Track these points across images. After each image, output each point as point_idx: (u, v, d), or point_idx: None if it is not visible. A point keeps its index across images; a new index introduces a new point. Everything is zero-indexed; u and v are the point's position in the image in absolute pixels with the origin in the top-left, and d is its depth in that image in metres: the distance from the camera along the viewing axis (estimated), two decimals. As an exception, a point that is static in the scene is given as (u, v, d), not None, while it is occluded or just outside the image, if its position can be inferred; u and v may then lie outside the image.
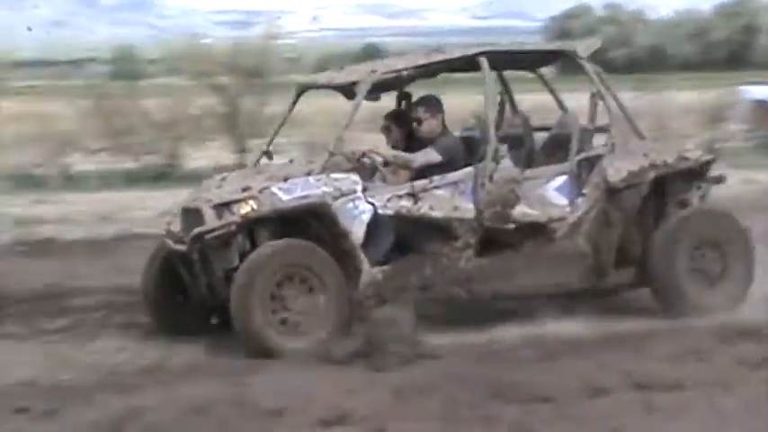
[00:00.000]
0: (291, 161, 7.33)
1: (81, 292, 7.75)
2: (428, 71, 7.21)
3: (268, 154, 6.97)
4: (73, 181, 14.18)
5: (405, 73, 6.90)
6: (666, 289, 6.73)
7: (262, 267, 5.97)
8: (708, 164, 7.20)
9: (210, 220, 6.07)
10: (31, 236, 10.16)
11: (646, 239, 6.80)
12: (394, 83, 7.10)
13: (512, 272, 6.67)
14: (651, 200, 6.99)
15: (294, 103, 7.09)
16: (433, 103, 6.93)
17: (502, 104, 7.40)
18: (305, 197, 6.18)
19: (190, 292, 6.42)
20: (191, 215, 6.27)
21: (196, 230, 6.08)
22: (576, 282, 6.78)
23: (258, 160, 7.04)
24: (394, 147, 7.04)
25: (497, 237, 6.62)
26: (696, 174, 7.14)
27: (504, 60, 7.67)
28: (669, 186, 7.07)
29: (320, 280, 6.07)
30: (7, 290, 7.71)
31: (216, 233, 6.01)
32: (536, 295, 6.78)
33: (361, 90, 6.47)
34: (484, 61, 6.75)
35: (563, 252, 6.73)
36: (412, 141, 6.93)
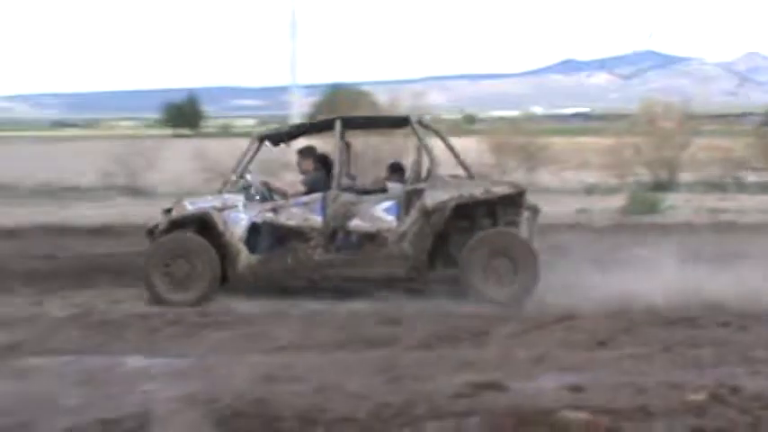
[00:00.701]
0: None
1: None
2: (303, 130, 10.91)
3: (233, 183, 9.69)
4: (744, 187, 21.06)
5: (285, 131, 10.70)
6: (465, 284, 8.99)
7: (157, 249, 9.29)
8: (509, 197, 9.25)
9: (161, 220, 9.47)
10: (718, 219, 15.60)
11: None
12: (281, 138, 10.50)
13: (354, 264, 9.26)
14: (484, 219, 9.29)
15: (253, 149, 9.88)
16: (305, 151, 10.08)
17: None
18: (198, 209, 9.38)
19: None
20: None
21: (147, 227, 9.73)
22: (403, 273, 9.25)
23: (222, 190, 9.72)
24: (303, 173, 9.91)
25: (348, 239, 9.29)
26: (511, 203, 9.28)
27: (359, 124, 11.44)
28: (498, 211, 9.26)
29: (198, 258, 9.10)
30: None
31: (159, 229, 9.41)
32: (373, 281, 9.27)
33: (253, 142, 9.81)
34: (338, 124, 9.55)
35: (393, 252, 9.10)
36: (318, 169, 9.81)
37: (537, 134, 24.86)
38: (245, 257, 9.23)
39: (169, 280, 9.14)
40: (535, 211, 9.57)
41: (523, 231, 9.47)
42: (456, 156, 9.79)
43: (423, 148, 9.60)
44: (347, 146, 10.20)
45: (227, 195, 9.53)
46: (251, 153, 9.74)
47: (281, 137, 10.54)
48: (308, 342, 7.17)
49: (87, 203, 19.04)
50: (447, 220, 9.11)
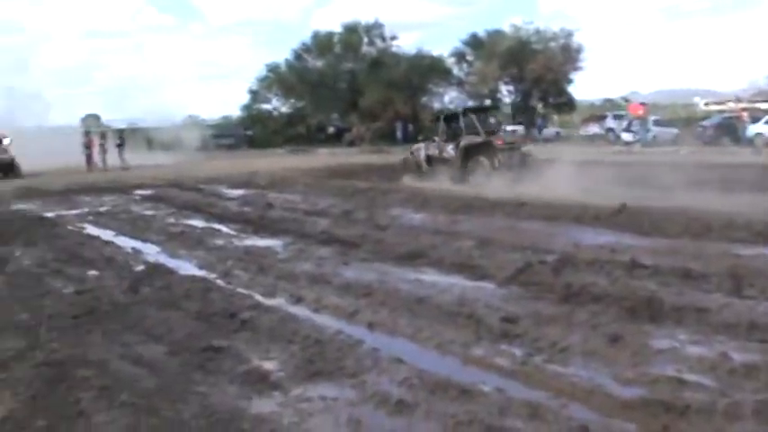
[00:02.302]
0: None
1: None
2: (455, 115, 25.69)
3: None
4: None
5: (448, 114, 26.79)
6: (467, 178, 23.00)
7: (403, 161, 26.82)
8: (483, 143, 22.96)
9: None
10: None
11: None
12: (446, 118, 25.94)
13: (444, 169, 23.77)
14: (483, 152, 23.03)
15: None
16: (436, 120, 27.29)
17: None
18: (412, 148, 26.86)
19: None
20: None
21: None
22: (456, 173, 23.18)
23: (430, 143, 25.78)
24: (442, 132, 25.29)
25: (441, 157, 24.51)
26: (488, 146, 23.03)
27: (478, 110, 27.09)
28: (490, 149, 22.87)
29: (411, 166, 25.42)
30: None
31: (407, 157, 26.67)
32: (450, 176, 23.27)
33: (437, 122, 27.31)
34: (467, 114, 24.88)
35: (452, 164, 23.64)
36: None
37: None
38: (424, 166, 24.54)
39: (401, 172, 25.33)
40: (518, 148, 23.28)
41: (497, 160, 22.17)
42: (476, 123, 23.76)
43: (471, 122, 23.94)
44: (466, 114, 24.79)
45: (422, 143, 25.95)
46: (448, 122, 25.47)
47: (445, 118, 25.67)
48: None
49: None
50: (465, 151, 22.90)
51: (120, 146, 41.43)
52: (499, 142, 23.03)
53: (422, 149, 25.30)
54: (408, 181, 24.18)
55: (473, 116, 24.31)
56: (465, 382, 5.79)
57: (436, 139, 25.02)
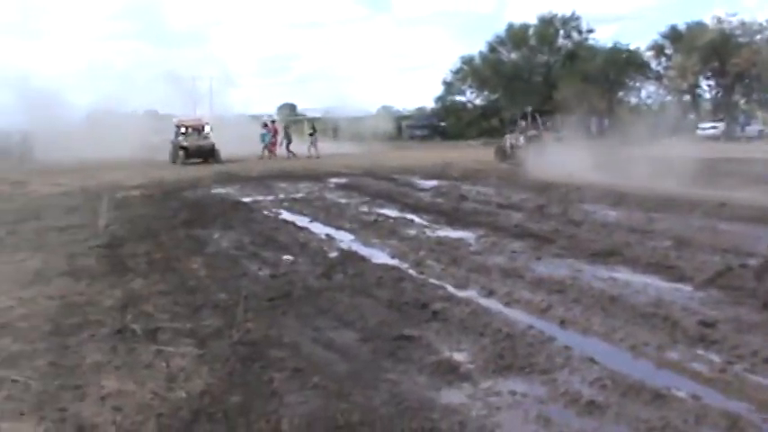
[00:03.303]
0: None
1: None
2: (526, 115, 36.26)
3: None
4: None
5: (526, 113, 36.34)
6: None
7: (496, 146, 37.66)
8: (534, 134, 33.38)
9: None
10: None
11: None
12: (524, 116, 36.31)
13: (519, 151, 32.99)
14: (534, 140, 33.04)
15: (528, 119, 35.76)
16: (520, 117, 37.16)
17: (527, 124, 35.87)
18: (504, 138, 37.35)
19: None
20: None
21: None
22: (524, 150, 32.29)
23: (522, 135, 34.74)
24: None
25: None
26: (538, 136, 33.21)
27: (542, 112, 37.14)
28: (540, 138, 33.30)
29: (501, 151, 35.32)
30: None
31: (499, 145, 37.31)
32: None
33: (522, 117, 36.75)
34: (534, 114, 35.31)
35: (520, 149, 32.89)
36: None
37: None
38: (509, 152, 33.72)
39: (495, 157, 35.14)
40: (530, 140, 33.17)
41: (538, 146, 31.07)
42: (539, 122, 34.57)
43: (530, 122, 34.81)
44: (534, 118, 34.87)
45: (513, 134, 35.45)
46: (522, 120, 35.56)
47: (523, 116, 36.02)
48: None
49: None
50: (528, 139, 32.70)
51: (312, 135, 42.91)
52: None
53: (508, 139, 35.35)
54: (495, 163, 33.18)
55: (538, 116, 35.19)
56: (659, 387, 5.64)
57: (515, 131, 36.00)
